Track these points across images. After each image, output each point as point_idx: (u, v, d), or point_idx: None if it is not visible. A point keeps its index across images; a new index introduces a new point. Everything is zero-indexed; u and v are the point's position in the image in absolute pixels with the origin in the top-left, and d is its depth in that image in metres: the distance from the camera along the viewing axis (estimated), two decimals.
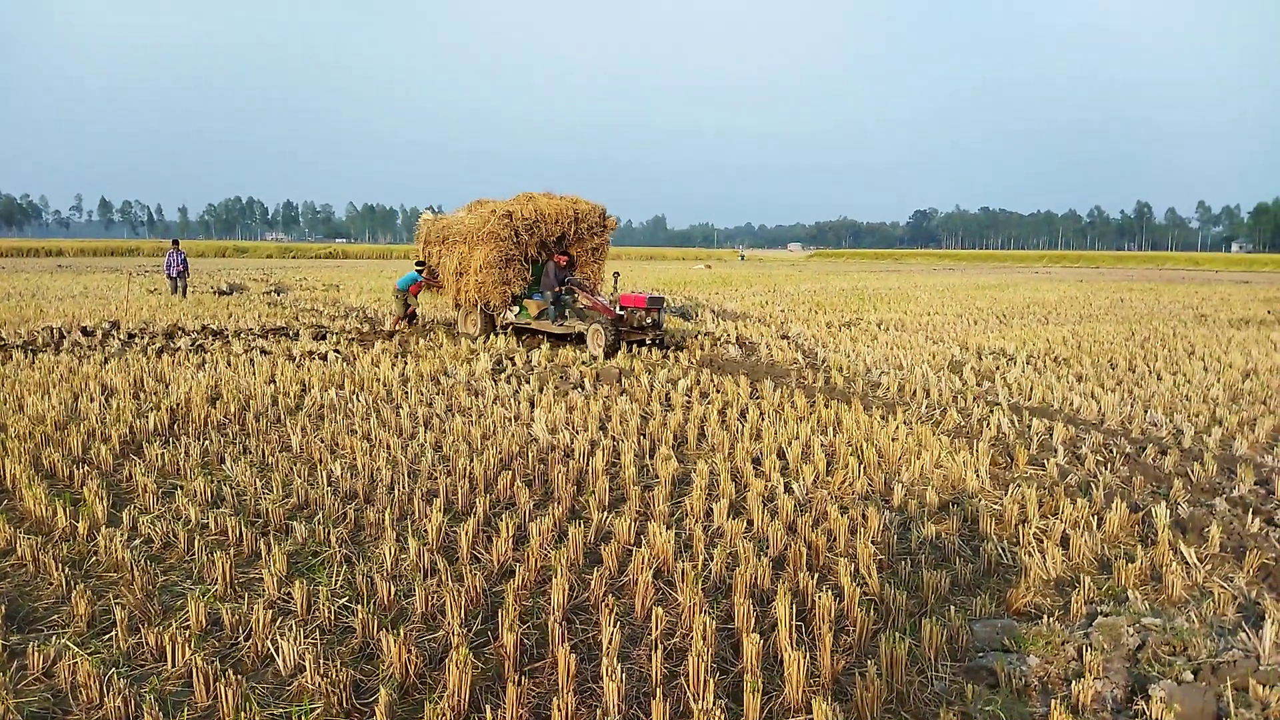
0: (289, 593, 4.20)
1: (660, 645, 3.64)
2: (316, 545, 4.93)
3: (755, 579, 4.37)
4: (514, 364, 11.30)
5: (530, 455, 6.56)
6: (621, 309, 13.04)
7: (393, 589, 4.27)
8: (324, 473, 6.06)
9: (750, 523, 5.29)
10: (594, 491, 5.76)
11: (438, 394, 9.12)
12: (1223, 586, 4.42)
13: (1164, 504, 5.54)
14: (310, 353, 11.95)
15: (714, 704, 3.07)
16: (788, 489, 5.98)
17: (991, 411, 8.49)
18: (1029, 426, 7.95)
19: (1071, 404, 9.01)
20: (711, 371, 10.86)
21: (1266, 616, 3.91)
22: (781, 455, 6.95)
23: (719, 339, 14.36)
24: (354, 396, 8.84)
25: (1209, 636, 3.84)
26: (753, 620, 3.86)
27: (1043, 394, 9.55)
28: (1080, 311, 21.02)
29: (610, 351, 12.28)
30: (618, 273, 14.90)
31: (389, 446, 6.91)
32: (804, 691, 3.29)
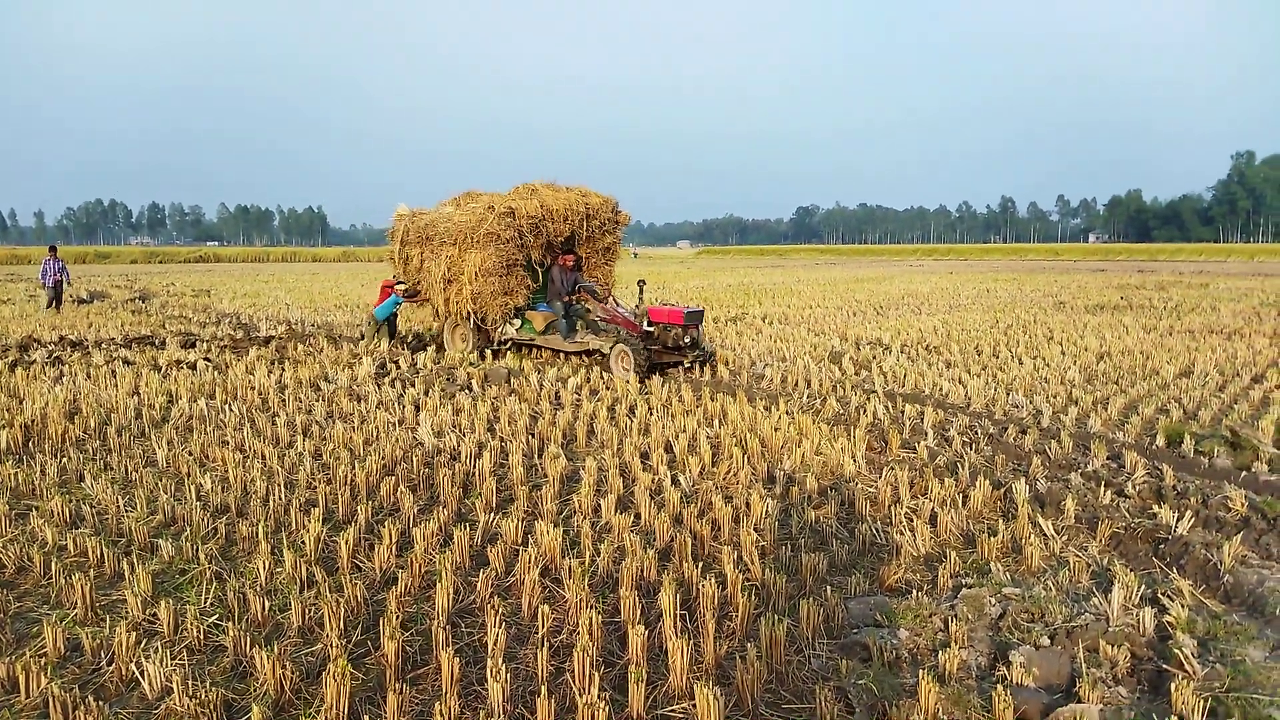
0: (154, 613, 4.00)
1: (546, 643, 3.65)
2: (184, 563, 4.71)
3: (642, 571, 4.43)
4: (399, 367, 11.05)
5: (415, 460, 6.44)
6: (650, 324, 10.78)
7: (267, 604, 4.12)
8: (192, 487, 5.79)
9: (638, 516, 5.35)
10: (480, 494, 5.71)
11: (318, 400, 8.84)
12: (1077, 555, 4.73)
13: (1024, 480, 5.88)
14: (178, 362, 11.38)
15: (599, 697, 3.10)
16: (674, 481, 6.07)
17: (868, 399, 8.83)
18: (902, 412, 8.31)
19: (941, 389, 9.46)
20: (601, 369, 10.90)
21: (1116, 582, 4.20)
22: (669, 449, 7.05)
23: None
24: (226, 406, 8.47)
25: (1064, 603, 4.11)
26: (639, 612, 3.91)
27: (915, 381, 9.99)
28: (950, 302, 22.08)
29: (643, 375, 10.23)
30: (643, 281, 12.31)
31: (264, 457, 6.65)
32: (688, 678, 3.36)
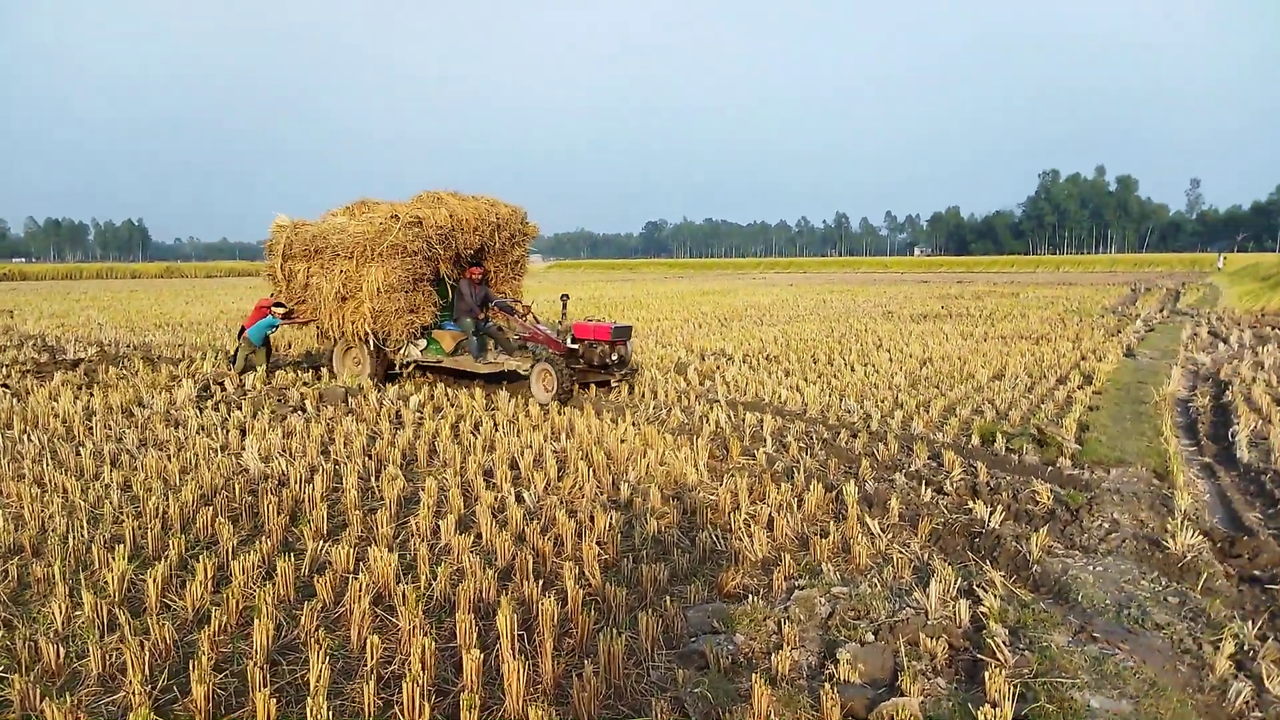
0: None
1: (376, 675, 3.48)
2: None
3: (481, 593, 4.31)
4: (223, 389, 10.38)
5: (237, 488, 6.04)
6: (575, 341, 10.14)
7: (62, 651, 3.73)
8: None
9: (479, 536, 5.21)
10: (310, 521, 5.41)
11: (130, 428, 8.16)
12: (901, 552, 4.97)
13: (853, 482, 6.14)
14: None
15: None
16: (519, 498, 5.96)
17: (711, 408, 9.01)
18: (743, 420, 8.52)
19: (780, 397, 9.78)
20: (446, 385, 10.62)
21: (934, 576, 4.43)
22: (514, 465, 6.93)
23: None
24: (24, 436, 7.69)
25: (888, 599, 4.30)
26: (475, 636, 3.79)
27: (756, 389, 10.29)
28: (790, 313, 22.97)
29: (565, 396, 9.66)
30: (566, 295, 11.79)
31: (65, 490, 6.07)
32: (524, 701, 3.27)
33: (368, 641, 3.70)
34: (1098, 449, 7.26)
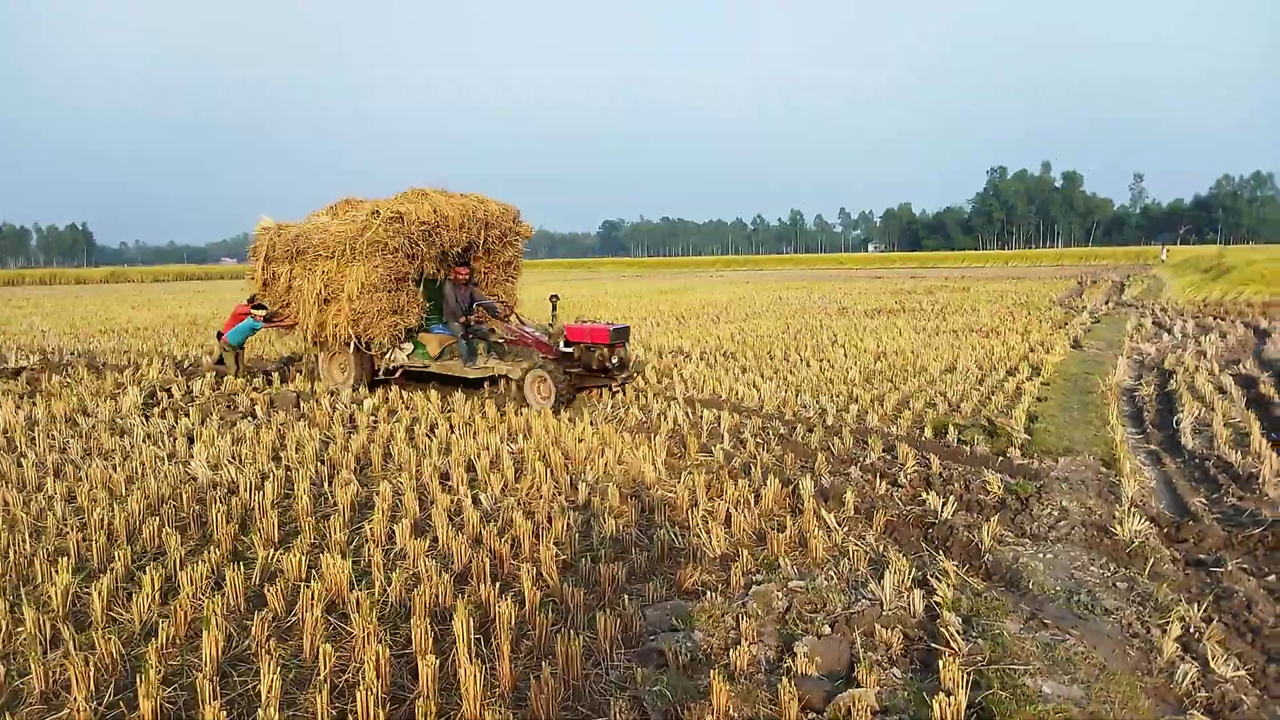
0: None
1: (329, 684, 3.42)
2: None
3: (437, 598, 4.26)
4: (171, 395, 10.14)
5: (185, 496, 5.89)
6: (568, 344, 9.80)
7: (2, 670, 3.61)
8: None
9: (435, 540, 5.15)
10: (260, 529, 5.30)
11: (74, 437, 7.93)
12: (856, 545, 5.01)
13: (809, 476, 6.18)
14: None
15: None
16: (475, 501, 5.91)
17: (669, 406, 9.02)
18: (700, 417, 8.55)
19: (737, 394, 9.83)
20: (401, 387, 10.49)
21: (889, 567, 4.48)
22: (470, 468, 6.87)
23: None
24: None
25: (844, 591, 4.34)
26: (431, 641, 3.74)
27: (713, 386, 10.32)
28: (747, 310, 23.09)
29: (562, 403, 9.30)
30: (556, 296, 11.18)
31: (7, 503, 5.88)
32: (481, 705, 3.24)
33: (320, 650, 3.64)
34: (1046, 439, 7.41)
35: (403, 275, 10.34)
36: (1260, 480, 6.21)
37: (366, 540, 5.17)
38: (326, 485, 6.36)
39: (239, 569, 4.47)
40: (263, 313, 11.15)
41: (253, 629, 3.94)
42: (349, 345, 10.53)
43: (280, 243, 11.01)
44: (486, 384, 10.80)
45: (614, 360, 9.65)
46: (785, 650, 3.74)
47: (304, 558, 4.74)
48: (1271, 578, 4.76)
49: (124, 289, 52.29)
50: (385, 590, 4.38)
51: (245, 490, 6.09)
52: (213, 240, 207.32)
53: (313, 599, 4.13)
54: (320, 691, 3.28)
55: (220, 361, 11.82)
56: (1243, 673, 3.66)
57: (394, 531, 5.21)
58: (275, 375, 11.48)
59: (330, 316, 10.48)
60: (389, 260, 10.14)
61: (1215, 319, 17.80)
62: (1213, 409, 8.56)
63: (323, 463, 7.00)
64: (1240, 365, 11.49)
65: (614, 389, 9.96)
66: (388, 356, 10.69)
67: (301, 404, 9.49)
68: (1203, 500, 6.15)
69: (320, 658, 3.61)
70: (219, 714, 3.09)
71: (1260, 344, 13.82)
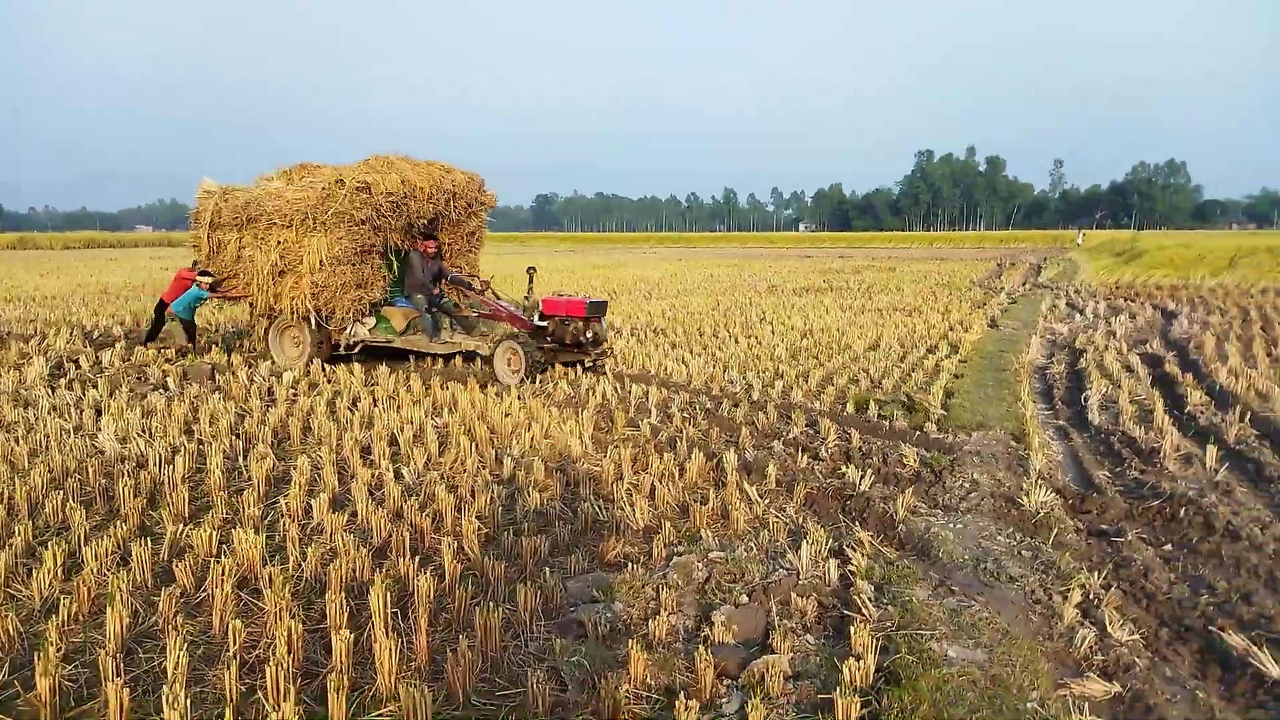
0: None
1: (239, 660, 3.34)
2: None
3: (354, 572, 4.19)
4: (78, 367, 9.72)
5: (91, 470, 5.67)
6: (544, 318, 9.52)
7: None
8: None
9: (354, 514, 5.06)
10: (170, 503, 5.13)
11: None
12: (777, 516, 5.10)
13: (734, 450, 6.26)
14: None
15: (294, 711, 2.87)
16: (397, 475, 5.82)
17: (598, 381, 9.01)
18: (629, 392, 8.56)
19: (666, 369, 9.87)
20: (323, 360, 10.25)
21: (806, 538, 4.57)
22: (393, 441, 6.76)
23: None
24: None
25: (763, 562, 4.41)
26: (346, 616, 3.68)
27: (643, 362, 10.35)
28: (678, 287, 23.17)
29: (530, 376, 9.14)
30: (533, 268, 10.66)
31: None
32: (396, 679, 3.20)
33: (231, 626, 3.55)
34: (961, 414, 7.63)
35: (368, 248, 9.95)
36: (1161, 455, 6.51)
37: (282, 515, 5.06)
38: (241, 459, 6.19)
39: (146, 544, 4.32)
40: (208, 280, 10.51)
41: (160, 605, 3.82)
42: (306, 319, 10.04)
43: (227, 208, 10.40)
44: (413, 358, 10.64)
45: (589, 335, 9.42)
46: (704, 619, 3.79)
47: (215, 533, 4.61)
48: (1168, 547, 5.01)
49: (32, 256, 49.82)
50: (300, 565, 4.29)
51: (155, 464, 5.88)
52: (127, 207, 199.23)
53: (223, 574, 4.02)
54: (229, 667, 3.20)
55: (152, 336, 11.24)
56: (1137, 637, 3.84)
57: (311, 506, 5.10)
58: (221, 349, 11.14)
59: (286, 289, 9.92)
60: (355, 232, 9.72)
61: (1126, 301, 18.54)
62: (1119, 387, 8.92)
63: (238, 436, 6.81)
64: (1147, 345, 12.00)
65: (587, 365, 9.72)
66: (348, 331, 10.24)
67: (216, 376, 9.20)
68: (1106, 473, 6.42)
69: (230, 634, 3.52)
70: (121, 692, 2.99)
71: (1167, 325, 14.46)
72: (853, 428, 7.10)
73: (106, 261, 38.05)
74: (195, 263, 10.92)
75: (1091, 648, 3.67)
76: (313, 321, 10.03)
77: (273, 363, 10.17)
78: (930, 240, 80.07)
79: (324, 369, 9.72)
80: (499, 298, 10.26)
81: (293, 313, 10.01)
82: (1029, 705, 3.11)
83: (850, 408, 7.88)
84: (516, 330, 9.69)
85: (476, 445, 6.52)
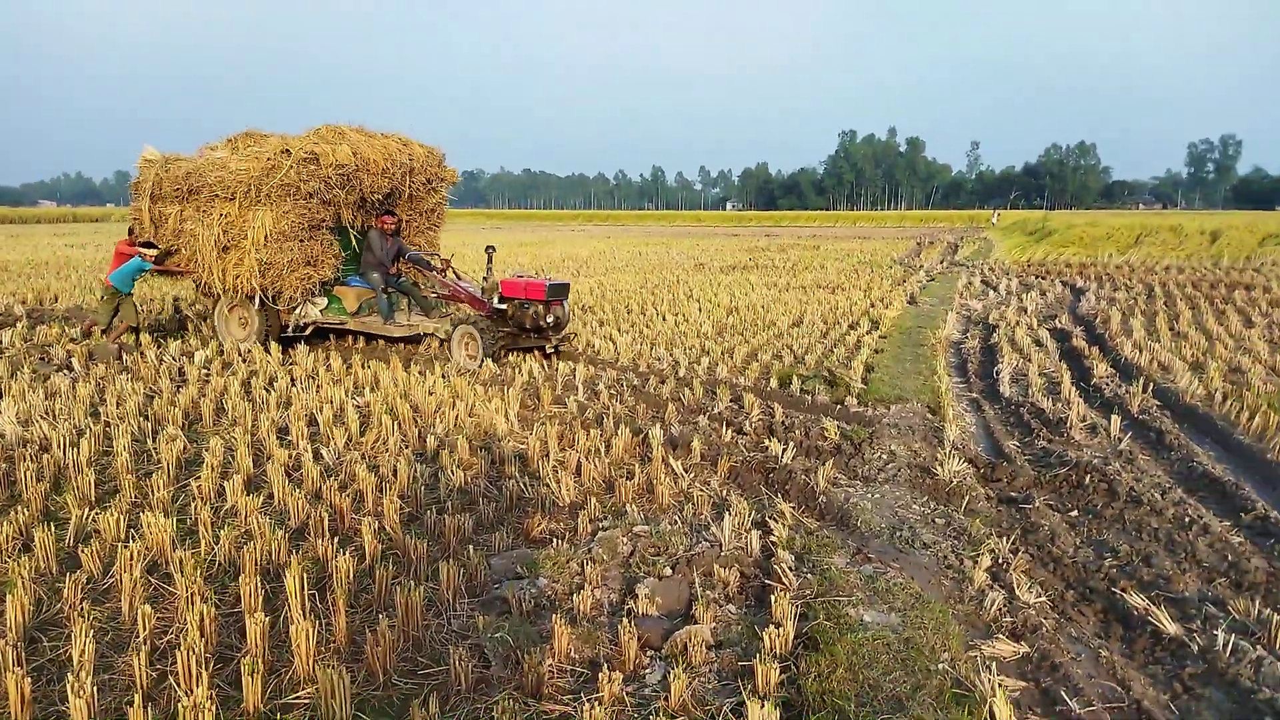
0: None
1: (149, 646, 3.24)
2: None
3: (270, 555, 4.09)
4: None
5: None
6: (503, 300, 9.00)
7: None
8: None
9: (270, 496, 4.94)
10: (76, 487, 4.93)
11: None
12: (701, 490, 5.16)
13: (660, 426, 6.30)
14: None
15: (207, 696, 2.80)
16: (316, 455, 5.70)
17: (524, 359, 8.95)
18: (556, 369, 8.53)
19: (593, 346, 9.86)
20: (273, 342, 9.87)
21: (730, 510, 4.63)
22: (313, 422, 6.60)
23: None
24: None
25: (687, 535, 4.46)
26: (262, 599, 3.59)
27: (571, 339, 10.31)
28: (606, 264, 23.12)
29: (488, 359, 8.73)
30: (492, 247, 9.96)
31: None
32: (314, 661, 3.15)
33: (140, 612, 3.43)
34: (880, 388, 7.82)
35: (316, 223, 9.42)
36: (1068, 425, 6.79)
37: (194, 498, 4.90)
38: (150, 441, 5.97)
39: (50, 530, 4.15)
40: (154, 252, 9.70)
41: (65, 592, 3.68)
42: (252, 298, 9.52)
43: (168, 179, 9.71)
44: (334, 337, 10.39)
45: (549, 319, 8.88)
46: (628, 593, 3.82)
47: (123, 517, 4.45)
48: (1074, 513, 5.24)
49: None
50: (213, 549, 4.17)
51: (58, 447, 5.63)
52: (27, 181, 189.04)
53: (132, 559, 3.89)
54: (139, 654, 3.10)
55: (109, 327, 9.84)
56: (1044, 599, 4.02)
57: (224, 488, 4.95)
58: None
59: (230, 265, 9.37)
60: (301, 206, 9.19)
61: (1037, 278, 19.21)
62: (1029, 360, 9.26)
63: (146, 418, 6.56)
64: (1057, 320, 12.48)
65: (548, 350, 9.25)
66: (298, 312, 9.78)
67: (125, 357, 8.84)
68: (1016, 443, 6.67)
69: (140, 620, 3.40)
70: (23, 681, 2.87)
71: (1075, 301, 15.05)
72: (776, 402, 7.21)
73: (8, 238, 36.10)
74: (131, 230, 10.24)
75: (1001, 610, 3.81)
76: (258, 301, 9.55)
77: (183, 342, 9.82)
78: (854, 219, 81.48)
79: (239, 349, 9.42)
80: (460, 278, 9.75)
81: (237, 291, 9.48)
82: (940, 666, 3.22)
83: (774, 383, 8.00)
84: (474, 313, 9.29)
85: (399, 424, 6.42)
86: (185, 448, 5.73)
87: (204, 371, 8.26)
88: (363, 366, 8.42)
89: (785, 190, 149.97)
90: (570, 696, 3.08)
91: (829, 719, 2.88)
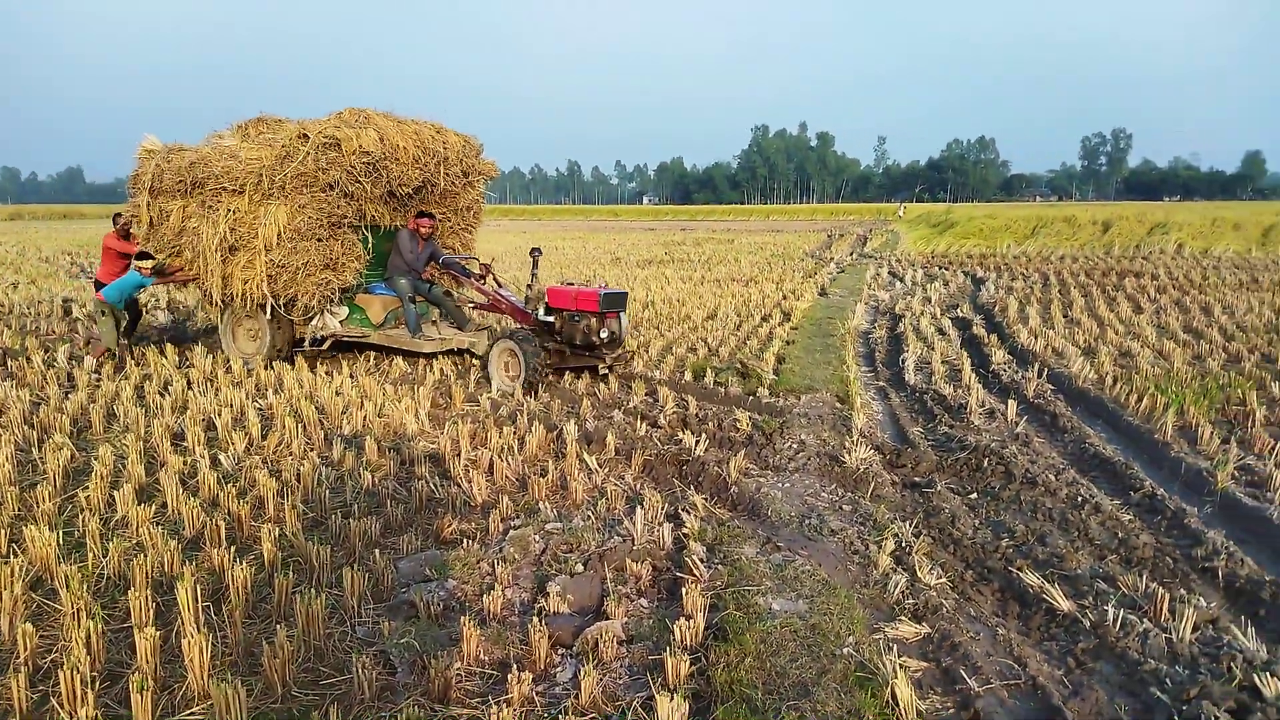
0: None
1: (30, 666, 3.06)
2: None
3: (162, 566, 3.91)
4: None
5: None
6: (549, 311, 7.83)
7: None
8: None
9: (164, 505, 4.73)
10: None
11: None
12: (615, 484, 5.15)
13: (574, 421, 6.27)
14: None
15: (92, 716, 2.66)
16: (214, 462, 5.47)
17: (436, 357, 8.79)
18: (469, 367, 8.40)
19: None
20: (142, 346, 9.44)
21: (642, 504, 4.64)
22: (211, 426, 6.35)
23: (148, 306, 12.61)
24: None
25: (599, 530, 4.45)
26: (153, 613, 3.43)
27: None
28: (522, 260, 22.90)
29: (531, 385, 7.43)
30: (538, 249, 8.96)
31: None
32: (208, 675, 3.02)
33: (20, 631, 3.24)
34: (791, 379, 7.95)
35: (337, 220, 8.26)
36: (968, 410, 7.02)
37: (81, 509, 4.66)
38: (35, 450, 5.65)
39: None
40: (150, 264, 8.59)
41: None
42: (265, 306, 8.35)
43: (170, 170, 8.53)
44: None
45: (604, 334, 7.56)
46: (539, 591, 3.79)
47: (4, 531, 4.19)
48: (973, 495, 5.41)
49: None
50: (101, 562, 3.97)
51: None
52: None
53: (13, 575, 3.66)
54: (18, 675, 2.93)
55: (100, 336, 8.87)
56: (945, 580, 4.14)
57: (114, 498, 4.72)
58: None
59: (238, 269, 8.18)
60: (320, 200, 8.04)
61: (941, 269, 19.85)
62: (933, 349, 9.55)
63: (31, 426, 6.21)
64: (958, 309, 12.91)
65: (602, 370, 8.05)
66: (315, 323, 8.58)
67: (9, 362, 8.35)
68: (920, 429, 6.87)
69: (20, 639, 3.21)
70: None
71: (976, 291, 15.59)
72: (690, 395, 7.26)
73: None
74: (116, 219, 9.33)
75: (903, 592, 3.91)
76: (269, 310, 8.38)
77: (78, 346, 9.32)
78: (767, 213, 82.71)
79: (130, 351, 8.98)
80: (500, 286, 8.64)
81: (246, 299, 8.34)
82: (845, 651, 3.29)
83: (688, 376, 8.05)
84: (517, 325, 8.16)
85: (304, 427, 6.23)
86: (73, 456, 5.44)
87: (94, 376, 7.86)
88: (265, 368, 8.14)
89: (700, 185, 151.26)
90: (479, 699, 3.03)
91: (737, 709, 2.91)
